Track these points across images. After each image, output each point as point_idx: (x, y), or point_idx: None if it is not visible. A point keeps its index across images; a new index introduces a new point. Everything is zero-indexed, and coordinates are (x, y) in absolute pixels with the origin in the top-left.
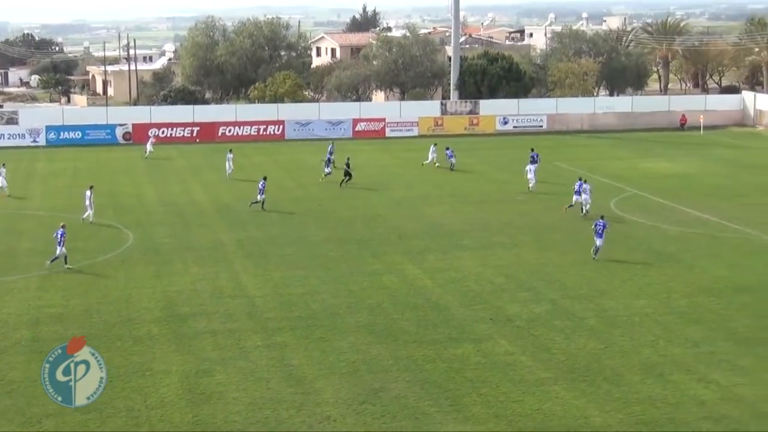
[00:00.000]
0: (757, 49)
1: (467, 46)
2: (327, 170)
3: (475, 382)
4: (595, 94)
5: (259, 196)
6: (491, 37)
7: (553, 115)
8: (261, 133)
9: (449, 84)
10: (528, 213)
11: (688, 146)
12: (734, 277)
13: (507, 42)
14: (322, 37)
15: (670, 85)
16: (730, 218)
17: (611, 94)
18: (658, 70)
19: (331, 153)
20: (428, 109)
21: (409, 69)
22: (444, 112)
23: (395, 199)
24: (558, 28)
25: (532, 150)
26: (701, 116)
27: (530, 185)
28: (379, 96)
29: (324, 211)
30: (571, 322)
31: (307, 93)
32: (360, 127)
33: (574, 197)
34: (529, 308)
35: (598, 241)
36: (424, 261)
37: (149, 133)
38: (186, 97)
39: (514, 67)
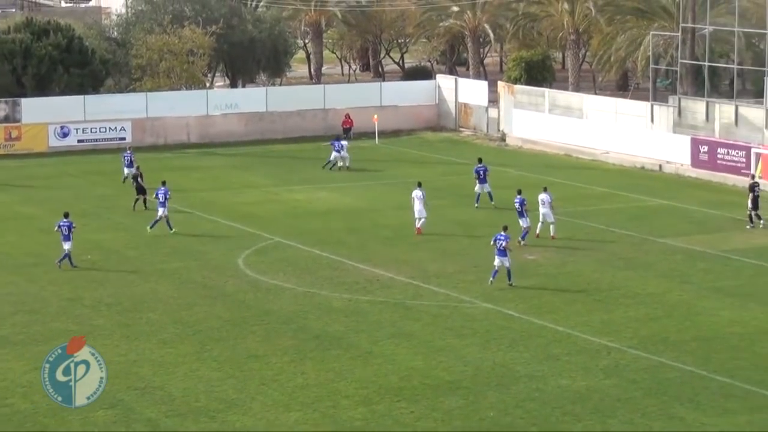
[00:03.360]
0: (456, 9)
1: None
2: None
3: None
4: (208, 84)
5: (160, 211)
6: None
7: (141, 120)
8: None
9: None
10: (105, 282)
11: (357, 164)
12: (436, 369)
13: (64, 3)
14: None
15: (325, 69)
16: (427, 275)
17: (234, 85)
18: (306, 45)
19: (131, 164)
20: None
21: None
22: None
23: None
24: None
25: (480, 161)
26: (375, 116)
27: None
28: None
29: None
30: None
31: None
32: None
33: (521, 221)
34: None
35: (503, 262)
36: None
37: None
38: None
39: (77, 44)
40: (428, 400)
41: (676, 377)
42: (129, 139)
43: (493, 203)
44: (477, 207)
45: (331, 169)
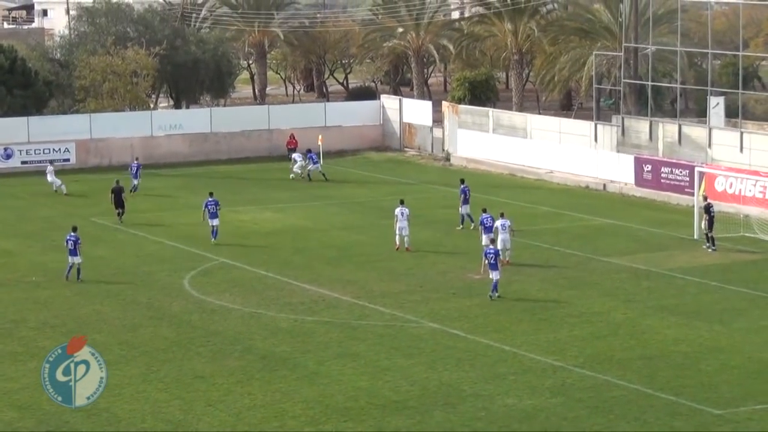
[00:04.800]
0: (401, 30)
1: None
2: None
3: None
4: (152, 105)
5: (211, 222)
6: None
7: (85, 142)
8: None
9: None
10: (51, 302)
11: (302, 184)
12: (382, 389)
13: (6, 25)
14: None
15: (270, 89)
16: (372, 295)
17: (178, 106)
18: (250, 65)
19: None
20: None
21: None
22: None
23: None
24: (89, 2)
25: (462, 182)
26: (320, 137)
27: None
28: None
29: None
30: None
31: None
32: None
33: (485, 237)
34: None
35: (493, 275)
36: None
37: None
38: None
39: (20, 65)
40: (375, 420)
41: (621, 396)
42: (73, 161)
43: (461, 227)
44: (462, 228)
45: (310, 179)
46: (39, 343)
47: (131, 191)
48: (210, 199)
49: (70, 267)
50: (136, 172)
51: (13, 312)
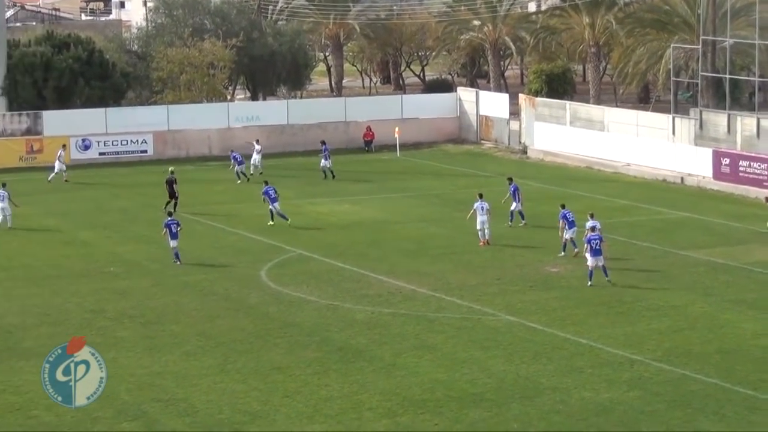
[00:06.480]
0: (477, 23)
1: (18, 24)
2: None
3: None
4: (229, 97)
5: (275, 205)
6: (57, 10)
7: (163, 133)
8: None
9: None
10: (129, 292)
11: (379, 177)
12: (459, 381)
13: (84, 16)
14: None
15: (346, 82)
16: (449, 288)
17: (254, 98)
18: (326, 57)
19: (242, 162)
20: None
21: None
22: None
23: None
24: None
25: (511, 180)
26: (397, 129)
27: (484, 235)
28: None
29: None
30: None
31: None
32: None
33: (566, 234)
34: None
35: (596, 261)
36: None
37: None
38: None
39: (97, 57)
40: (452, 412)
41: (699, 390)
42: (150, 152)
43: (524, 222)
44: (525, 224)
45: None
46: (117, 333)
47: (253, 173)
48: (268, 186)
49: (173, 250)
50: (242, 160)
51: (91, 302)
